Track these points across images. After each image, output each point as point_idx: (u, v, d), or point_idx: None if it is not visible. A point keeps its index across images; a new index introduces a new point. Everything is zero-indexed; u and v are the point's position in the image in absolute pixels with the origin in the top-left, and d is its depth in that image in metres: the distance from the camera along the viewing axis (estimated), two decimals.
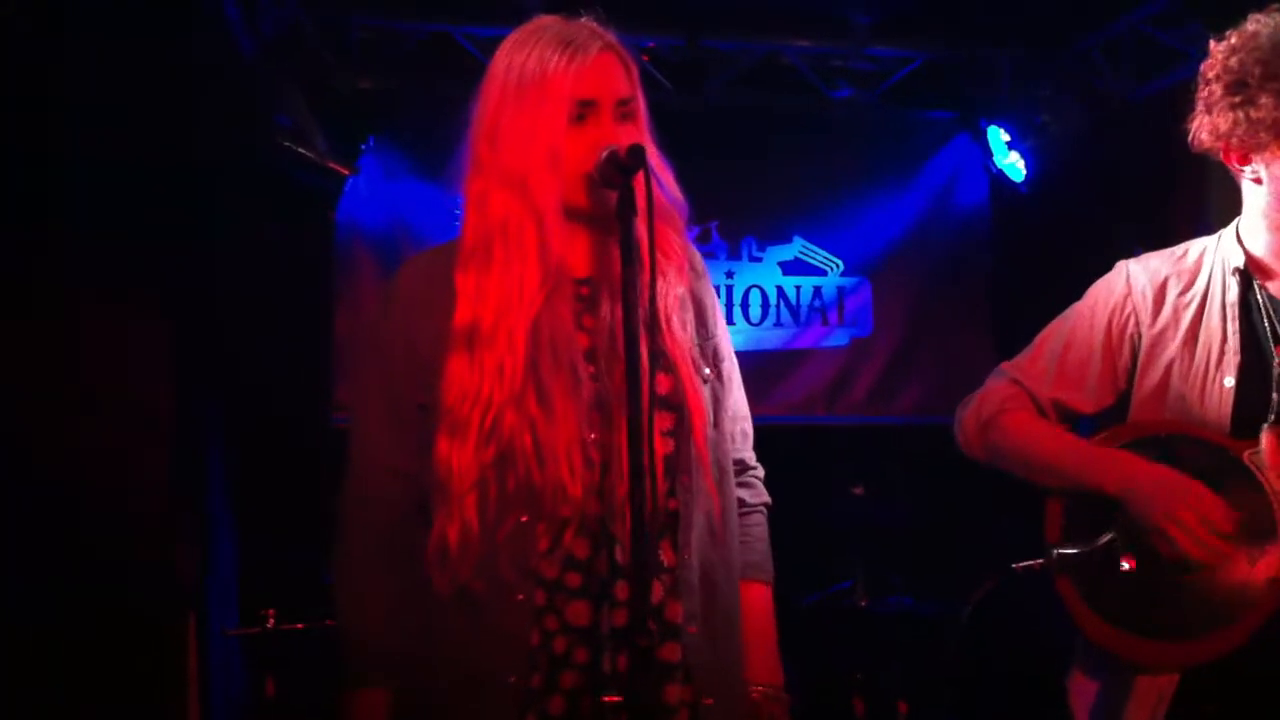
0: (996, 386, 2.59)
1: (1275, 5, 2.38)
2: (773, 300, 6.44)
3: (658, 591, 2.06)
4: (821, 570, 5.02)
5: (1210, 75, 2.39)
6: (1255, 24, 2.36)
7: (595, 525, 2.07)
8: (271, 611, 4.31)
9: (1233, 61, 2.34)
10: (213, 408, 5.31)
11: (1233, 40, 2.37)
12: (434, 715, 2.10)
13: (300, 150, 5.35)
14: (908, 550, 5.28)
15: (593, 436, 2.08)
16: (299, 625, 4.30)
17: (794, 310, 6.46)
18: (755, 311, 6.42)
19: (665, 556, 2.10)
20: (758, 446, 2.42)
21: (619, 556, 2.05)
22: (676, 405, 2.13)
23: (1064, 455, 2.45)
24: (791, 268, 6.47)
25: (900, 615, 4.90)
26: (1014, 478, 2.52)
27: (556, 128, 2.09)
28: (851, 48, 5.80)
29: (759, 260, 6.45)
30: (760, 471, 2.42)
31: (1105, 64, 5.56)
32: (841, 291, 6.50)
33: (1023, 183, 6.21)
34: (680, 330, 2.18)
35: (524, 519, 2.05)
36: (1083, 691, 2.46)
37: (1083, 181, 5.82)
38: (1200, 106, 2.42)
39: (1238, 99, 2.33)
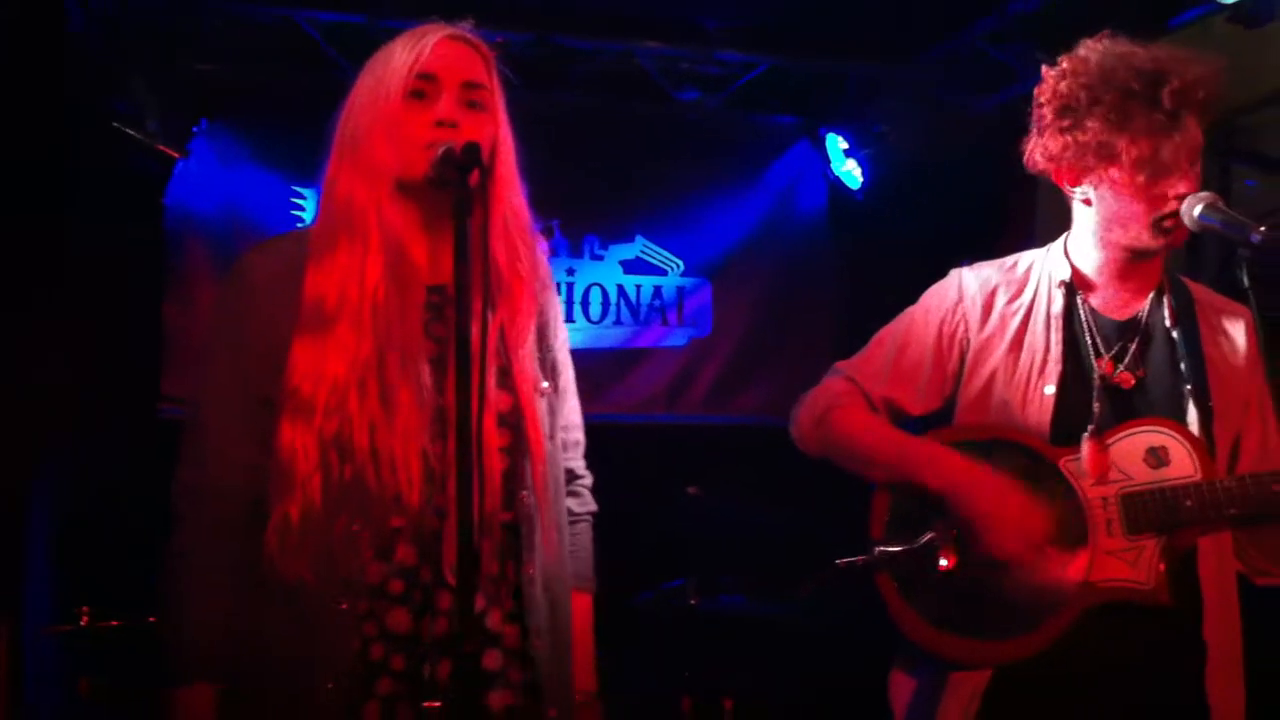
0: (831, 383, 2.64)
1: (1107, 30, 2.46)
2: (613, 299, 6.45)
3: (479, 601, 2.05)
4: (654, 569, 5.03)
5: (1042, 99, 2.46)
6: (1085, 49, 2.43)
7: (426, 537, 2.05)
8: (86, 609, 4.16)
9: (1062, 86, 2.42)
10: (29, 397, 5.09)
11: (1064, 65, 2.44)
12: (257, 716, 2.05)
13: (129, 131, 5.16)
14: (742, 550, 5.32)
15: (435, 449, 2.06)
16: (114, 623, 4.15)
17: (634, 309, 6.48)
18: (595, 310, 6.41)
19: (492, 567, 2.09)
20: (596, 445, 2.42)
21: (445, 570, 2.04)
22: (514, 423, 2.13)
23: (890, 449, 2.50)
24: (633, 267, 6.49)
25: (731, 614, 4.94)
26: (846, 475, 2.57)
27: (393, 101, 2.09)
28: (701, 51, 5.83)
29: (600, 259, 6.45)
30: (589, 480, 2.43)
31: (944, 78, 5.70)
32: (682, 292, 6.54)
33: (859, 190, 6.33)
34: (527, 350, 2.18)
35: (355, 528, 2.02)
36: (901, 688, 2.52)
37: (918, 190, 5.96)
38: (1033, 129, 2.49)
39: (1066, 123, 2.40)
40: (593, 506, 2.42)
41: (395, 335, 2.07)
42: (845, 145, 6.28)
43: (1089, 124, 2.37)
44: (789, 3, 5.48)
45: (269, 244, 2.27)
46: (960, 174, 5.66)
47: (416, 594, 2.05)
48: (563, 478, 2.29)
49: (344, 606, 2.01)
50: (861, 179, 6.29)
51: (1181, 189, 2.33)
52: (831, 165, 6.36)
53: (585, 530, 2.40)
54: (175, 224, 5.76)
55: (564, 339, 2.36)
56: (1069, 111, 2.40)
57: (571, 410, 2.38)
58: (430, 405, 2.08)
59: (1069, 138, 2.40)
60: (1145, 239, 2.40)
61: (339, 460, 2.02)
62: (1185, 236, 2.37)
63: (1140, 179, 2.34)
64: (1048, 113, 2.44)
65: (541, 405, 2.20)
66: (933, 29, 5.50)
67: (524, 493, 2.13)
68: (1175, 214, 2.34)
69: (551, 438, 2.23)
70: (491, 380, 2.07)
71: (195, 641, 2.07)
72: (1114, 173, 2.37)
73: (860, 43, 5.78)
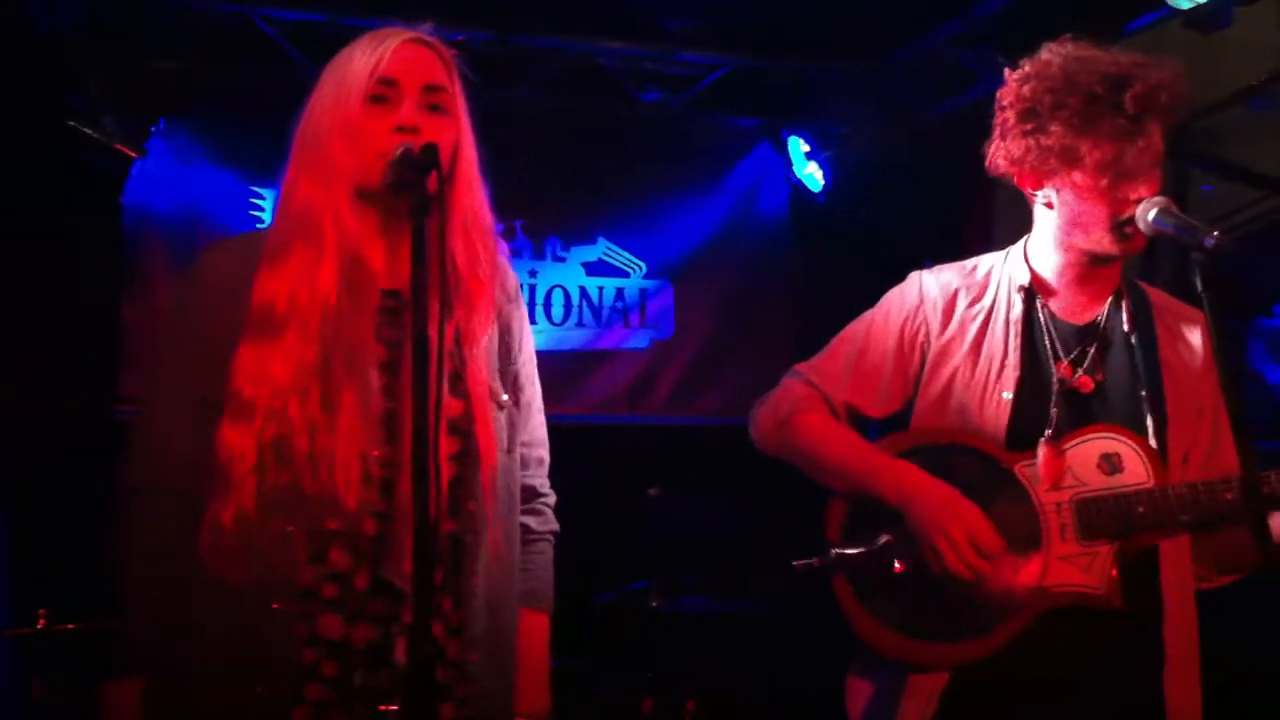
0: (792, 386, 2.64)
1: (1068, 35, 2.46)
2: (575, 300, 6.44)
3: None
4: (616, 570, 5.03)
5: (1005, 103, 2.46)
6: (1048, 53, 2.42)
7: (363, 542, 2.04)
8: (43, 612, 4.11)
9: (1025, 90, 2.41)
10: None
11: (1026, 69, 2.44)
12: (188, 716, 2.04)
13: (86, 130, 5.11)
14: (704, 551, 5.33)
15: (376, 453, 2.04)
16: (70, 625, 4.10)
17: (596, 311, 6.48)
18: (558, 311, 6.41)
19: (436, 577, 2.07)
20: (558, 446, 2.41)
21: (385, 574, 2.03)
22: (465, 431, 2.11)
23: (850, 462, 2.50)
24: (595, 268, 6.49)
25: (692, 616, 4.95)
26: (804, 476, 2.57)
27: (353, 105, 2.08)
28: (663, 52, 5.83)
29: (563, 260, 6.44)
30: (551, 499, 2.41)
31: (904, 81, 5.73)
32: (644, 294, 6.55)
33: (820, 193, 6.35)
34: (482, 355, 2.16)
35: (289, 529, 2.01)
36: (858, 692, 2.53)
37: (879, 193, 5.98)
38: (996, 132, 2.48)
39: (1029, 126, 2.40)
40: (554, 526, 2.41)
41: (344, 338, 2.05)
42: (807, 148, 6.30)
43: (1052, 127, 2.37)
44: (752, 4, 5.49)
45: (225, 243, 2.26)
46: (921, 177, 5.69)
47: (350, 599, 2.04)
48: (518, 492, 2.27)
49: (276, 606, 2.00)
50: (823, 182, 6.31)
51: (1144, 193, 2.33)
52: (793, 168, 6.38)
53: (546, 549, 2.38)
54: (133, 224, 5.71)
55: (529, 354, 2.34)
56: (1032, 115, 2.40)
57: (536, 426, 2.36)
58: (376, 409, 2.06)
59: (1031, 141, 2.40)
60: (1106, 243, 2.40)
61: (275, 465, 2.01)
62: (1145, 243, 2.38)
63: (1103, 183, 2.35)
64: (1010, 116, 2.44)
65: (499, 417, 2.18)
66: (894, 32, 5.52)
67: (471, 503, 2.11)
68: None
69: (509, 451, 2.22)
70: (444, 386, 2.06)
71: (134, 637, 2.08)
72: (1076, 176, 2.37)
73: (822, 45, 5.80)
